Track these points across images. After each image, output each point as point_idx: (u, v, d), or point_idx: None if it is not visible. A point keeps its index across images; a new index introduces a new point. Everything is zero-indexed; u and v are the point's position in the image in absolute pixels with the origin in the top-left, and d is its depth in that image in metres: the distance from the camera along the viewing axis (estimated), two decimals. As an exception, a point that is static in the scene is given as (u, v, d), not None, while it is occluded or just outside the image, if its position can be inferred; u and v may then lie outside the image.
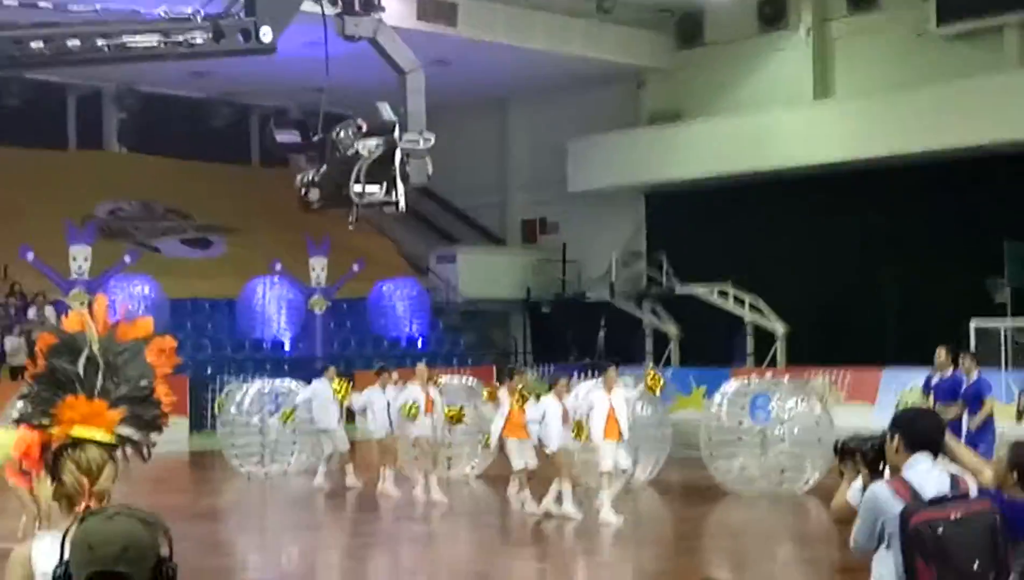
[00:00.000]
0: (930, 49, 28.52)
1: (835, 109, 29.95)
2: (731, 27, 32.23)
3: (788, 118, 30.08)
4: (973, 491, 4.85)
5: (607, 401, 14.52)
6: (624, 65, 32.83)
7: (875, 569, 4.93)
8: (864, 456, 5.13)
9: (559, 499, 14.77)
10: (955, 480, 4.85)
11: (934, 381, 15.34)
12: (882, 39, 29.70)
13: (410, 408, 16.37)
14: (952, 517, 4.62)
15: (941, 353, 15.31)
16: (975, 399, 14.76)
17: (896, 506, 4.73)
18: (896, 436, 4.94)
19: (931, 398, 14.99)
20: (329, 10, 7.42)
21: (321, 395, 17.99)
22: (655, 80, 34.01)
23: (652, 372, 15.21)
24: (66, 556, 3.04)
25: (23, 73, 27.38)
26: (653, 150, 32.28)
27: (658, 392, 15.36)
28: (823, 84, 31.03)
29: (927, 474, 4.82)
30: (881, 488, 4.83)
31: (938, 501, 4.70)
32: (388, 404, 16.92)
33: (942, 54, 28.21)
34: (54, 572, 3.11)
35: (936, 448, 4.96)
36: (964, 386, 14.93)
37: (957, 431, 14.12)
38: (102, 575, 2.89)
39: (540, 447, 15.01)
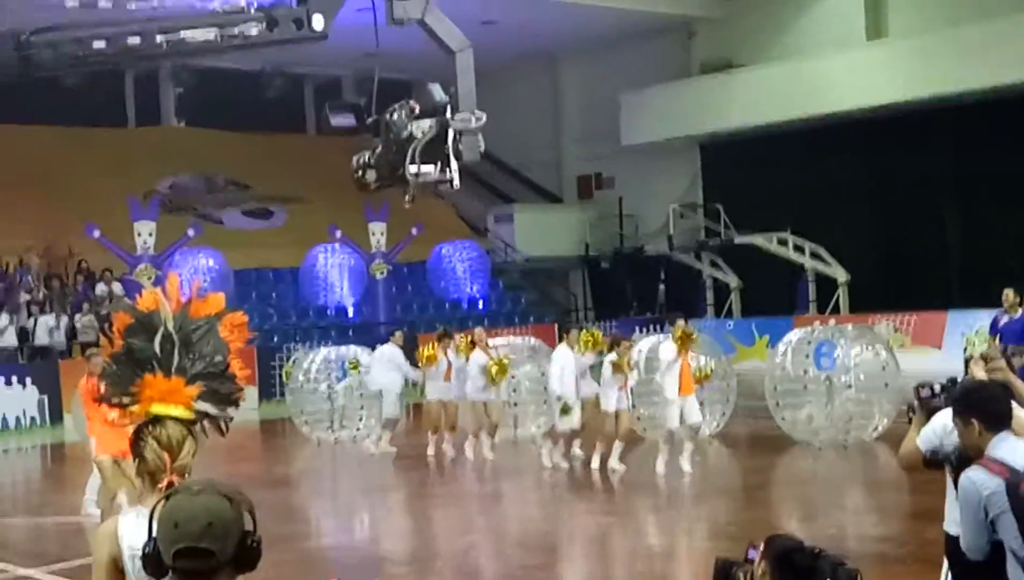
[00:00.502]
0: (984, -16, 28.00)
1: (889, 49, 29.53)
2: (780, -28, 31.86)
3: (841, 61, 29.71)
4: None
5: (677, 356, 14.55)
6: (673, 16, 32.58)
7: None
8: (950, 462, 5.14)
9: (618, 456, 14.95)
10: None
11: (1002, 322, 15.21)
12: (935, -24, 29.24)
13: (492, 370, 16.50)
14: None
15: (1009, 294, 15.18)
16: (1017, 336, 14.64)
17: (995, 483, 4.73)
18: (973, 420, 4.94)
19: (998, 340, 14.87)
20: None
21: (387, 357, 18.13)
22: (705, 29, 33.71)
23: (680, 327, 14.94)
24: (154, 533, 3.13)
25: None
26: (706, 100, 32.06)
27: (691, 346, 15.05)
28: (875, 24, 30.59)
29: (1014, 449, 4.82)
30: (975, 473, 4.83)
31: None
32: (449, 366, 17.07)
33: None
34: (143, 549, 3.20)
35: (1010, 418, 4.96)
36: None
37: None
38: (189, 551, 2.96)
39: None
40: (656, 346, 15.68)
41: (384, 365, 18.14)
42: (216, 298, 4.70)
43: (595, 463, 15.21)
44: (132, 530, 4.11)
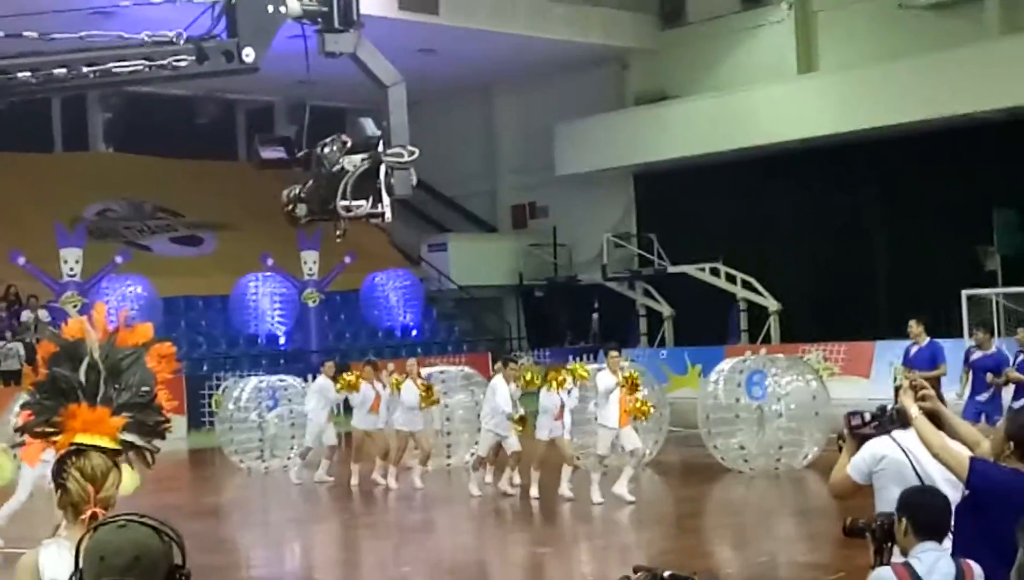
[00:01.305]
0: (912, 20, 28.50)
1: (820, 83, 29.94)
2: (713, 5, 32.22)
3: (773, 94, 30.08)
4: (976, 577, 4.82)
5: (615, 386, 14.63)
6: (608, 47, 32.81)
7: None
8: (873, 534, 5.13)
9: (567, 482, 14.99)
10: (960, 569, 4.81)
11: (912, 352, 15.72)
12: (864, 11, 29.68)
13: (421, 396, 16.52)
14: None
15: (913, 325, 15.86)
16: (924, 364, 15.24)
17: None
18: (904, 519, 4.91)
19: (911, 369, 15.27)
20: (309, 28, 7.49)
21: (317, 389, 18.05)
22: (639, 61, 33.98)
23: (627, 371, 15.19)
24: (80, 566, 3.06)
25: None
26: (640, 131, 32.29)
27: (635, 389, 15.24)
28: (807, 59, 31.01)
29: (934, 564, 4.78)
30: (887, 575, 4.80)
31: None
32: (377, 396, 17.06)
33: (924, 25, 28.20)
34: None
35: (945, 531, 4.92)
36: (939, 355, 15.45)
37: (998, 404, 14.41)
38: None
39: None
40: (592, 375, 15.71)
41: (315, 396, 18.08)
42: (144, 328, 4.65)
43: (533, 492, 15.19)
44: (53, 562, 4.03)
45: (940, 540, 4.88)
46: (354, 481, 17.31)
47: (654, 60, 33.43)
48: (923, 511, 4.91)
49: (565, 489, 14.93)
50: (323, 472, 18.00)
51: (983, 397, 14.90)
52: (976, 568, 4.83)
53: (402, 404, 16.70)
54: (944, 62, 26.88)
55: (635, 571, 4.27)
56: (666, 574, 4.20)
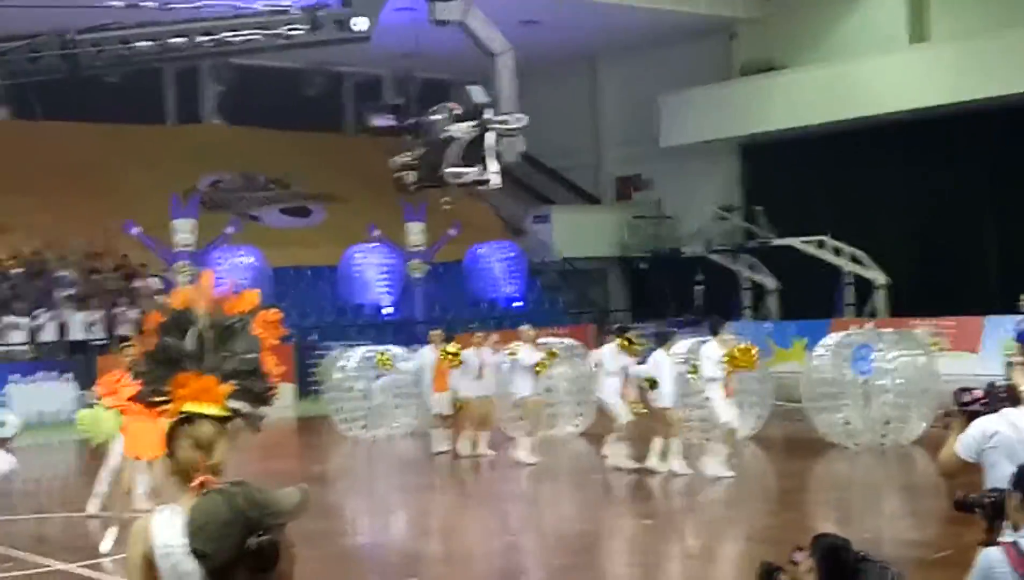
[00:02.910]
0: (1028, -13, 27.73)
1: (931, 53, 29.29)
2: (822, -27, 31.69)
3: (883, 64, 29.48)
4: None
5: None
6: (714, 17, 32.43)
7: None
8: (984, 510, 5.03)
9: (664, 456, 14.88)
10: None
11: (1021, 327, 15.19)
12: (978, -22, 28.98)
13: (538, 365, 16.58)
14: None
15: None
16: None
17: (1010, 578, 4.64)
18: (1017, 494, 4.84)
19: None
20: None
21: (428, 360, 18.14)
22: (746, 31, 33.54)
23: (746, 345, 15.04)
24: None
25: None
26: (747, 102, 31.90)
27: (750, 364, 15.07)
28: (918, 27, 30.34)
29: None
30: (996, 554, 4.74)
31: None
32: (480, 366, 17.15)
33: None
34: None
35: None
36: None
37: None
38: (193, 551, 3.02)
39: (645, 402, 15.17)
40: (697, 348, 15.59)
41: (428, 365, 18.13)
42: (250, 295, 4.69)
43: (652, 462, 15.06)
44: (164, 528, 4.12)
45: None
46: (464, 450, 17.47)
47: (761, 30, 32.96)
48: None
49: (654, 460, 14.89)
50: (441, 442, 18.07)
51: None
52: None
53: (518, 371, 16.69)
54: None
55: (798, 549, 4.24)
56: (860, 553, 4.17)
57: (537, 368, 16.58)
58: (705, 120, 32.58)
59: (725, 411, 14.58)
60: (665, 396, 14.82)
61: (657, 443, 14.94)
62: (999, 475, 5.66)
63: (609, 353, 15.46)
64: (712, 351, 14.60)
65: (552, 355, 16.86)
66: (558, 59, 33.95)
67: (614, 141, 36.87)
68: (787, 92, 31.15)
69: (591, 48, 34.88)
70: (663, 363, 14.91)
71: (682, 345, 16.36)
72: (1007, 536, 4.91)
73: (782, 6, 32.49)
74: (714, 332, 14.92)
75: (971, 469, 6.14)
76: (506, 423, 17.77)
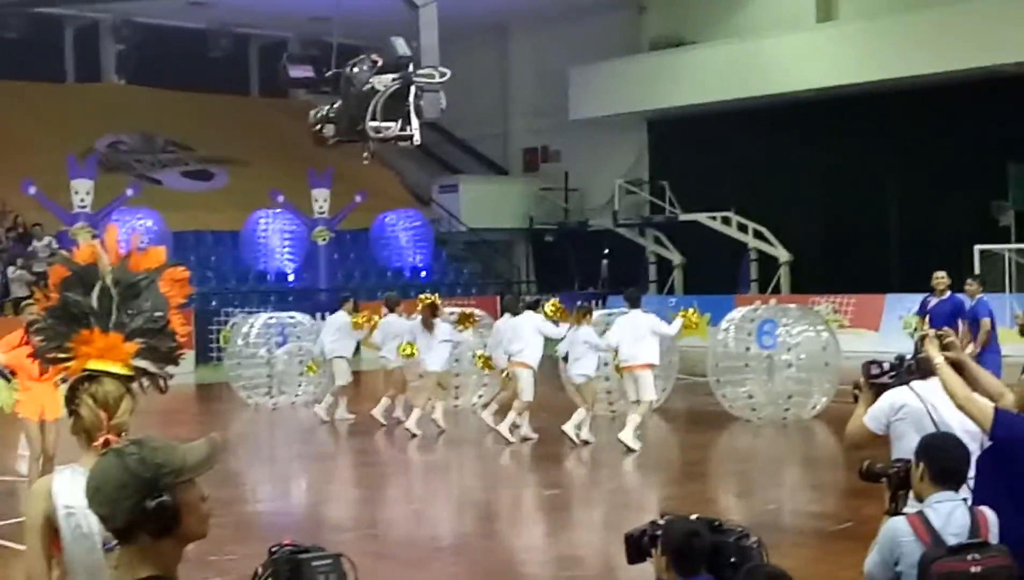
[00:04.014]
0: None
1: (838, 32, 29.65)
2: (733, -50, 31.88)
3: (791, 42, 29.79)
4: (993, 533, 4.75)
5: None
6: (625, -10, 32.49)
7: None
8: (889, 480, 5.05)
9: (580, 427, 14.91)
10: (976, 520, 4.76)
11: (931, 305, 15.44)
12: (885, -40, 29.36)
13: (405, 347, 16.46)
14: (972, 571, 4.54)
15: (939, 277, 15.48)
16: (973, 321, 14.83)
17: (915, 548, 4.65)
18: (921, 465, 4.85)
19: (927, 321, 15.04)
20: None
21: (337, 324, 17.96)
22: (656, 5, 33.67)
23: (693, 310, 15.25)
24: None
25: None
26: (655, 77, 32.03)
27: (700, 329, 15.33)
28: (825, 7, 30.69)
29: (949, 514, 4.73)
30: (901, 525, 4.75)
31: (959, 549, 4.61)
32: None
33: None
34: None
35: (961, 480, 4.87)
36: (965, 309, 15.05)
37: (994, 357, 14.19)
38: (94, 513, 2.93)
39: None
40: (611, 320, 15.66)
41: (335, 333, 17.96)
42: (156, 252, 4.57)
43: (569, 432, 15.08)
44: (67, 488, 4.00)
45: (956, 489, 4.84)
46: (344, 416, 17.62)
47: (671, 5, 33.14)
48: (941, 458, 4.85)
49: (570, 430, 14.89)
50: (343, 410, 17.95)
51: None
52: (991, 517, 4.79)
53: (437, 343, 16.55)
54: (962, 14, 26.59)
55: (662, 516, 4.22)
56: (693, 517, 4.13)
57: (459, 328, 16.42)
58: (614, 93, 32.64)
59: (651, 386, 14.68)
60: (582, 368, 14.84)
61: (577, 414, 14.96)
62: (906, 447, 5.70)
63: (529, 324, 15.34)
64: (654, 322, 14.67)
65: (472, 320, 16.73)
66: (468, 28, 33.70)
67: (523, 112, 36.81)
68: (695, 68, 31.33)
69: (502, 17, 34.75)
70: (582, 336, 14.89)
71: (597, 316, 16.37)
72: (911, 507, 4.94)
73: (692, -19, 32.65)
74: (633, 305, 14.99)
75: (877, 443, 6.19)
76: (411, 393, 17.65)
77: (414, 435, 16.12)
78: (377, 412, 17.14)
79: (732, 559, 4.15)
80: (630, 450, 14.37)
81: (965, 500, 4.88)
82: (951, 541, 4.64)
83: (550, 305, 15.81)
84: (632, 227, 33.70)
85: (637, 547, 4.39)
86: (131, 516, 2.84)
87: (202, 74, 34.33)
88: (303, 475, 14.97)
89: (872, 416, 6.07)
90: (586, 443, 14.97)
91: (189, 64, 34.06)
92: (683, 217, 31.93)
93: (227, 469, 14.28)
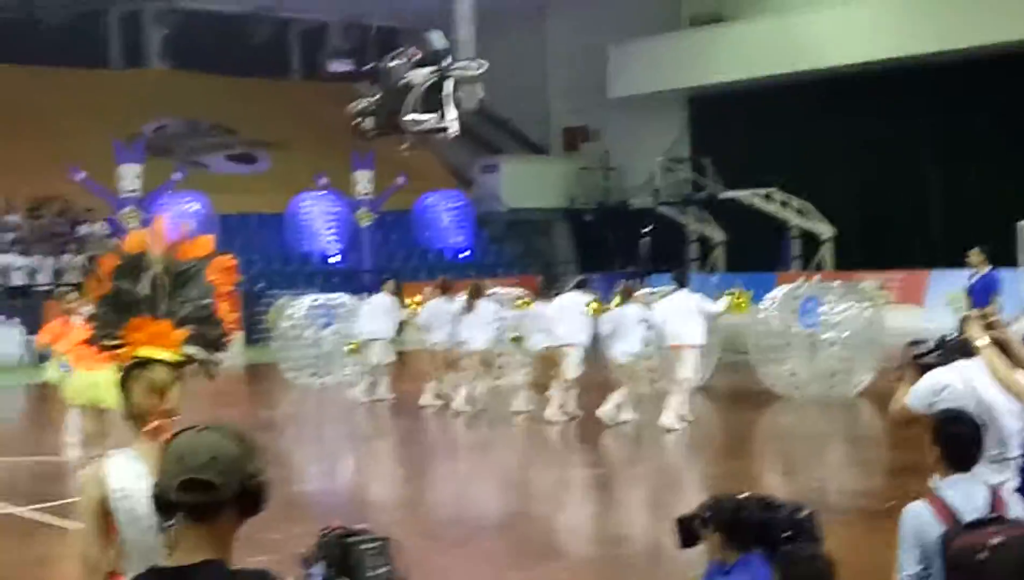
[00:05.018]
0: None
1: (876, 6, 29.40)
2: (773, -75, 31.64)
3: (830, 17, 29.57)
4: (1012, 510, 4.80)
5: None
6: (665, -33, 32.34)
7: None
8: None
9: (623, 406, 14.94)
10: (993, 496, 4.80)
11: (972, 280, 15.41)
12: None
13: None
14: (992, 542, 4.56)
15: (972, 254, 15.43)
16: (981, 294, 14.82)
17: (937, 529, 4.69)
18: (937, 448, 4.90)
19: (968, 299, 15.04)
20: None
21: (378, 305, 18.04)
22: (696, -18, 33.50)
23: (739, 291, 15.24)
24: (164, 467, 3.09)
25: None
26: (695, 54, 31.89)
27: (745, 309, 15.35)
28: (866, -19, 30.42)
29: (967, 495, 4.77)
30: (922, 509, 4.78)
31: (977, 524, 4.65)
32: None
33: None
34: (152, 491, 3.13)
35: (973, 461, 4.90)
36: (997, 285, 15.09)
37: None
38: (191, 482, 2.94)
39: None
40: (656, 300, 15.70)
41: (375, 314, 18.02)
42: (204, 240, 4.65)
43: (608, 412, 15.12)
44: (119, 472, 4.09)
45: (968, 469, 4.86)
46: (385, 395, 17.75)
47: (711, -19, 32.93)
48: (951, 444, 4.89)
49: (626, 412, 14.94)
50: (384, 390, 18.07)
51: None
52: (1008, 497, 4.81)
53: (478, 321, 16.64)
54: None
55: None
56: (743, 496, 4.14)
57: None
58: (653, 71, 32.53)
59: (691, 366, 14.68)
60: (627, 346, 14.86)
61: (618, 394, 14.99)
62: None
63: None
64: (700, 301, 14.61)
65: (527, 303, 16.81)
66: (507, 8, 33.72)
67: (562, 91, 36.75)
68: (735, 44, 31.17)
69: (540, -3, 34.65)
70: (629, 314, 14.92)
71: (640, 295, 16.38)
72: (933, 486, 4.98)
73: (732, -42, 32.45)
74: (681, 284, 15.01)
75: (922, 420, 6.18)
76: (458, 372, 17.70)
77: (460, 413, 16.24)
78: (426, 397, 17.22)
79: (786, 533, 4.18)
80: (669, 431, 14.40)
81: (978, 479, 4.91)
82: (969, 517, 4.69)
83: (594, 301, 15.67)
84: (673, 205, 33.61)
85: (688, 531, 4.42)
86: (240, 488, 2.96)
87: (244, 59, 34.55)
88: (349, 455, 15.12)
89: (914, 395, 6.06)
90: (625, 422, 14.99)
91: (231, 49, 34.28)
92: (724, 195, 31.81)
93: (274, 448, 14.45)
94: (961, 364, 5.95)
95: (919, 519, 4.75)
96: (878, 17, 28.91)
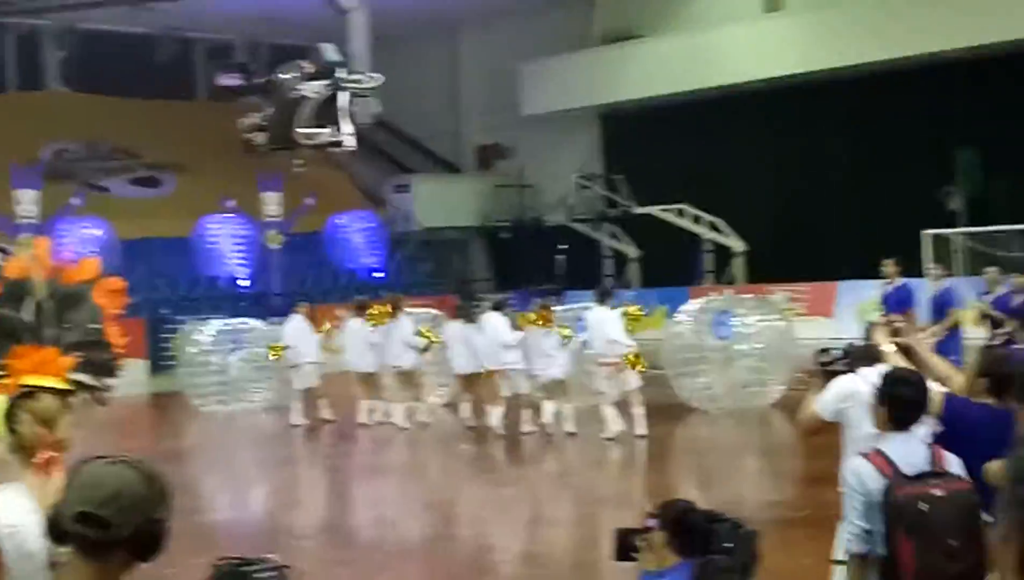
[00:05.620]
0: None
1: (785, 22, 29.79)
2: (680, -58, 31.96)
3: (739, 33, 29.90)
4: (951, 466, 4.82)
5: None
6: (574, -16, 32.50)
7: None
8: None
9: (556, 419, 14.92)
10: (933, 453, 4.83)
11: (885, 293, 15.61)
12: (830, -51, 29.54)
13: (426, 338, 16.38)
14: (934, 494, 4.64)
15: (888, 265, 15.63)
16: (940, 309, 14.95)
17: (879, 482, 4.71)
18: (883, 407, 4.93)
19: (881, 308, 15.20)
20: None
21: (299, 330, 17.77)
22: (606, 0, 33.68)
23: (634, 307, 15.31)
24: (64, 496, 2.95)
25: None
26: (607, 71, 32.04)
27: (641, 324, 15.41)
28: (772, -3, 30.84)
29: (906, 450, 4.81)
30: (862, 465, 4.81)
31: (919, 477, 4.71)
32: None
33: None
34: (48, 515, 3.00)
35: (914, 420, 4.94)
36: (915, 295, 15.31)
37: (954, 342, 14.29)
38: (86, 516, 2.81)
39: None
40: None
41: (299, 336, 17.75)
42: (90, 263, 4.50)
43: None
44: (8, 507, 3.90)
45: (908, 428, 4.90)
46: (330, 416, 17.51)
47: (621, -1, 33.15)
48: (895, 404, 4.93)
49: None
50: (298, 415, 17.79)
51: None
52: (948, 455, 4.85)
53: (398, 341, 16.52)
54: (907, 1, 26.77)
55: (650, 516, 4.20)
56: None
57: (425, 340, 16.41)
58: (566, 88, 32.64)
59: (633, 378, 14.72)
60: (548, 366, 14.85)
61: (549, 406, 14.96)
62: (858, 434, 5.76)
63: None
64: (614, 319, 14.64)
65: (431, 338, 16.71)
66: (418, 26, 33.64)
67: (475, 109, 36.73)
68: (645, 61, 31.37)
69: (452, 14, 34.63)
70: (546, 333, 14.92)
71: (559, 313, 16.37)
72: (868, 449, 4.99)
73: (640, -25, 32.70)
74: (602, 301, 15.02)
75: (831, 428, 6.22)
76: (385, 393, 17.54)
77: (403, 429, 16.12)
78: (362, 416, 17.03)
79: (727, 545, 4.15)
80: (611, 439, 14.40)
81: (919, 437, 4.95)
82: (910, 473, 4.73)
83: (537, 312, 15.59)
84: (587, 222, 33.70)
85: (625, 543, 4.37)
86: (136, 529, 2.82)
87: (147, 80, 33.98)
88: (264, 482, 14.81)
89: (822, 403, 6.16)
90: (549, 435, 14.94)
91: (134, 70, 33.69)
92: (638, 210, 31.96)
93: (182, 478, 14.12)
94: (867, 371, 5.98)
95: (859, 473, 4.78)
96: (785, 33, 29.28)
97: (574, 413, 15.27)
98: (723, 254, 30.98)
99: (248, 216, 29.06)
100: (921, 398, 4.99)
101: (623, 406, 14.85)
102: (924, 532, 4.58)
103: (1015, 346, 13.45)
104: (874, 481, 4.72)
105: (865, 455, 4.85)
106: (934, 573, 4.59)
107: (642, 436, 14.61)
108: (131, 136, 32.78)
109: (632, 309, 15.20)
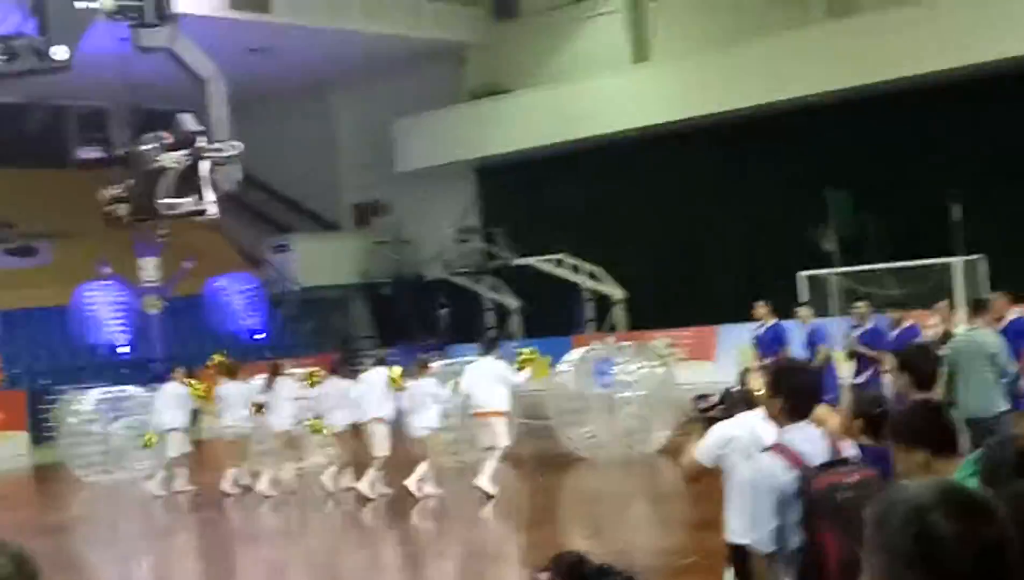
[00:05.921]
0: (740, 8, 29.18)
1: (653, 72, 30.44)
2: (546, -3, 32.55)
3: (608, 84, 30.46)
4: (848, 452, 4.92)
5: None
6: (444, 41, 32.82)
7: None
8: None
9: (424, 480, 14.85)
10: (831, 440, 4.91)
11: (759, 333, 15.91)
12: (692, 0, 30.33)
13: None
14: (850, 481, 4.67)
15: (758, 307, 15.96)
16: (811, 348, 15.28)
17: (789, 475, 4.73)
18: (780, 399, 4.97)
19: (754, 350, 15.53)
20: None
21: (171, 395, 17.54)
22: (476, 55, 34.07)
23: (530, 350, 15.39)
24: None
25: None
26: (479, 125, 32.37)
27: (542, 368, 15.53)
28: (640, 48, 31.49)
29: (808, 438, 4.86)
30: (769, 461, 4.82)
31: (829, 465, 4.75)
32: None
33: (752, 12, 28.86)
34: None
35: (811, 409, 5.00)
36: (788, 336, 15.61)
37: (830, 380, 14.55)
38: None
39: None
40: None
41: (168, 404, 17.53)
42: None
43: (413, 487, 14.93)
44: None
45: (807, 416, 4.94)
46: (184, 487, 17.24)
47: (489, 53, 33.55)
48: (793, 393, 4.97)
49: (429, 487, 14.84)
50: (182, 482, 17.54)
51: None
52: (844, 441, 4.94)
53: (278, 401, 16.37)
54: (772, 48, 27.60)
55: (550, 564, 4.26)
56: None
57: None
58: (439, 144, 32.88)
59: (504, 432, 14.69)
60: (425, 421, 14.80)
61: (420, 468, 14.90)
62: (738, 479, 5.84)
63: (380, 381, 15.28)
64: (504, 369, 14.67)
65: (315, 379, 16.57)
66: (290, 87, 33.64)
67: (351, 168, 36.76)
68: (517, 114, 31.77)
69: (323, 75, 34.69)
70: (423, 387, 14.89)
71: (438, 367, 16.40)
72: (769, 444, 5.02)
73: (509, 30, 33.16)
74: (487, 351, 15.05)
75: (714, 473, 6.34)
76: (258, 457, 17.36)
77: (268, 497, 15.91)
78: (226, 485, 16.80)
79: None
80: (489, 496, 14.37)
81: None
82: (816, 461, 4.76)
83: (396, 371, 15.58)
84: (467, 275, 33.86)
85: None
86: None
87: (20, 148, 33.34)
88: (146, 553, 14.56)
89: (702, 450, 6.23)
90: (428, 496, 14.89)
91: (5, 139, 33.04)
92: (516, 262, 32.20)
93: (65, 552, 13.83)
94: (744, 415, 6.14)
95: (769, 470, 4.77)
96: (654, 83, 29.90)
97: (435, 473, 15.14)
98: (604, 302, 31.34)
99: (126, 282, 28.62)
100: (816, 385, 5.06)
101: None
102: (844, 520, 4.54)
103: (883, 382, 13.77)
104: (785, 474, 4.72)
105: (768, 450, 4.87)
106: (859, 560, 4.66)
107: (489, 495, 14.41)
108: (4, 206, 32.08)
109: (527, 352, 15.26)
